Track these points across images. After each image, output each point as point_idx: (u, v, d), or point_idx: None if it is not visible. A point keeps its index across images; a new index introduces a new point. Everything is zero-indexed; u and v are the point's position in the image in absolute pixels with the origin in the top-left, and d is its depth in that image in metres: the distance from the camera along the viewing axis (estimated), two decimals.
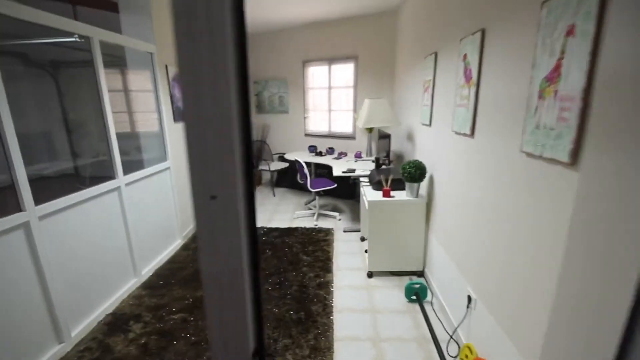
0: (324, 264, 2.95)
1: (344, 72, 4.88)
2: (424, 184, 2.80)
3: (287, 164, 5.24)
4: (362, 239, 3.43)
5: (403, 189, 2.74)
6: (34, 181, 1.88)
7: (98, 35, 2.27)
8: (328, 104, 5.11)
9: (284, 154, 5.47)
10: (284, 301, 2.41)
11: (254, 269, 0.44)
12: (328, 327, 2.14)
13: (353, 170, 3.58)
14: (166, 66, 3.16)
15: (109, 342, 2.04)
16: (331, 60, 4.89)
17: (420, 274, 2.75)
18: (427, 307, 2.33)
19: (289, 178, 5.29)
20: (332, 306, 2.36)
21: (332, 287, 2.60)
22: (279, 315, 2.25)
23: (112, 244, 2.44)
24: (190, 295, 2.49)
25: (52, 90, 4.07)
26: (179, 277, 2.77)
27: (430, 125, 2.62)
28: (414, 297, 2.41)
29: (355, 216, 4.11)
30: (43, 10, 1.87)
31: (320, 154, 4.67)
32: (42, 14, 1.87)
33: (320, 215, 4.16)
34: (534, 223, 1.21)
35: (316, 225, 3.86)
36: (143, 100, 3.15)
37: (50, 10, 1.93)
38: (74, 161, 3.89)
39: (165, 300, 2.45)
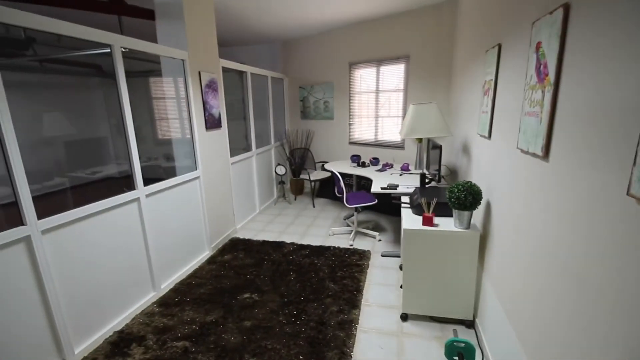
0: (352, 296, 2.54)
1: (394, 73, 4.39)
2: (478, 212, 2.23)
3: (329, 174, 4.92)
4: (402, 268, 2.93)
5: (451, 215, 2.21)
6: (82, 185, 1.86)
7: (119, 42, 2.21)
8: (375, 110, 4.66)
9: (327, 162, 5.15)
10: (296, 341, 2.06)
11: None
12: None
13: (395, 187, 3.10)
14: (199, 73, 3.07)
15: None
16: (380, 61, 4.44)
17: (470, 324, 2.18)
18: None
19: (332, 188, 4.95)
20: (350, 356, 1.95)
21: (355, 328, 2.19)
22: (286, 359, 1.92)
23: (128, 257, 2.37)
24: (200, 320, 2.30)
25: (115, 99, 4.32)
26: (194, 294, 2.61)
27: (489, 137, 2.06)
28: (456, 358, 1.87)
29: (399, 237, 3.60)
30: (77, 24, 1.82)
31: (363, 164, 4.24)
32: (63, 24, 1.83)
33: (358, 233, 3.74)
34: None
35: (351, 245, 3.45)
36: (176, 108, 3.10)
37: (100, 23, 1.89)
38: (118, 166, 4.07)
39: (173, 322, 2.28)
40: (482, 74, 2.32)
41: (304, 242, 3.54)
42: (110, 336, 2.16)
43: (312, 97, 5.25)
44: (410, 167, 3.89)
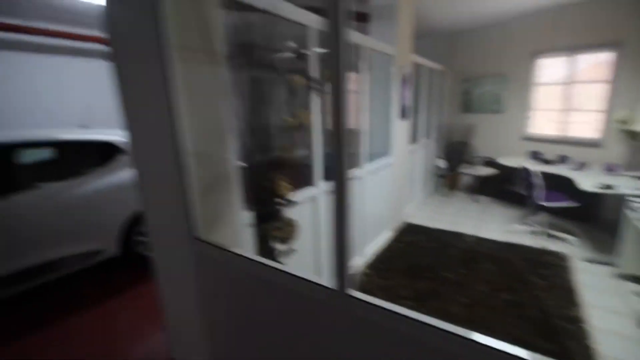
0: (567, 294, 2.45)
1: (592, 63, 3.89)
2: None
3: (495, 170, 4.71)
4: (625, 278, 2.65)
5: None
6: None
7: (365, 42, 2.62)
8: (563, 103, 4.23)
9: (491, 158, 4.94)
10: (521, 324, 2.13)
11: None
12: None
13: (611, 187, 2.81)
14: (400, 67, 3.36)
15: None
16: (573, 49, 4.00)
17: None
18: None
19: (496, 186, 4.74)
20: (591, 348, 1.91)
21: (585, 325, 2.12)
22: (516, 336, 2.01)
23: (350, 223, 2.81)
24: (411, 286, 2.58)
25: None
26: (395, 265, 2.92)
27: None
28: None
29: (596, 244, 3.24)
30: None
31: (547, 162, 3.93)
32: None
33: (546, 234, 3.51)
34: None
35: (542, 245, 3.28)
36: (370, 100, 3.47)
37: None
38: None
39: (390, 283, 2.63)
40: None
41: (483, 236, 3.53)
42: None
43: (478, 89, 5.09)
44: (617, 169, 3.42)
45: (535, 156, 4.07)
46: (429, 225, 3.85)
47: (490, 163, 4.99)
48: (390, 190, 3.54)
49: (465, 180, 5.30)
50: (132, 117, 1.43)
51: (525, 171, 3.43)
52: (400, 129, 3.55)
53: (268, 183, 1.41)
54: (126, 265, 3.02)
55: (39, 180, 2.55)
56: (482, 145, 5.19)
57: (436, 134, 5.30)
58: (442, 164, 4.96)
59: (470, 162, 5.19)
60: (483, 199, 4.84)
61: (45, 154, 2.97)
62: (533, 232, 3.57)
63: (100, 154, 2.92)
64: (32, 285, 2.48)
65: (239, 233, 1.65)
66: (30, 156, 2.70)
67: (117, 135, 3.04)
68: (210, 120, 1.44)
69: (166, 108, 1.22)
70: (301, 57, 1.68)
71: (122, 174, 2.92)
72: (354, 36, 2.50)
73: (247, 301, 1.27)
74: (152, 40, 1.19)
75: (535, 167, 3.80)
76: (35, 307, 2.50)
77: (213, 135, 1.45)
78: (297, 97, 1.55)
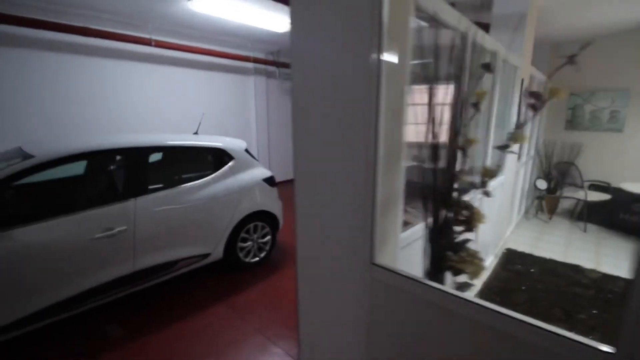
0: None
1: None
2: None
3: (607, 196, 4.17)
4: None
5: None
6: None
7: (500, 51, 2.41)
8: None
9: (604, 182, 4.40)
10: None
11: None
12: None
13: None
14: (522, 80, 3.08)
15: None
16: None
17: None
18: None
19: (608, 214, 4.18)
20: None
21: None
22: None
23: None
24: None
25: None
26: (510, 298, 2.65)
27: None
28: None
29: None
30: None
31: None
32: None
33: None
34: None
35: None
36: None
37: None
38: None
39: None
40: None
41: (608, 272, 3.10)
42: None
43: (589, 105, 4.56)
44: None
45: None
46: (534, 254, 3.49)
47: (599, 187, 4.44)
48: (497, 211, 3.26)
49: (565, 204, 4.76)
50: (311, 132, 1.40)
51: None
52: (514, 146, 3.25)
53: (461, 209, 1.29)
54: (225, 270, 3.11)
55: (158, 183, 2.65)
56: (591, 167, 4.63)
57: (534, 152, 4.85)
58: (541, 184, 4.50)
59: (576, 185, 4.65)
60: (592, 228, 4.30)
61: (164, 158, 3.10)
62: None
63: (213, 160, 3.01)
64: (153, 283, 2.62)
65: (397, 257, 1.56)
66: (152, 160, 2.79)
67: (225, 142, 3.12)
68: (392, 139, 1.36)
69: (372, 128, 1.16)
70: (487, 67, 1.55)
71: (232, 180, 2.99)
72: (492, 43, 2.31)
73: (452, 349, 1.14)
74: (360, 64, 1.14)
75: None
76: (151, 305, 2.65)
77: (392, 154, 1.37)
78: (479, 111, 1.42)
